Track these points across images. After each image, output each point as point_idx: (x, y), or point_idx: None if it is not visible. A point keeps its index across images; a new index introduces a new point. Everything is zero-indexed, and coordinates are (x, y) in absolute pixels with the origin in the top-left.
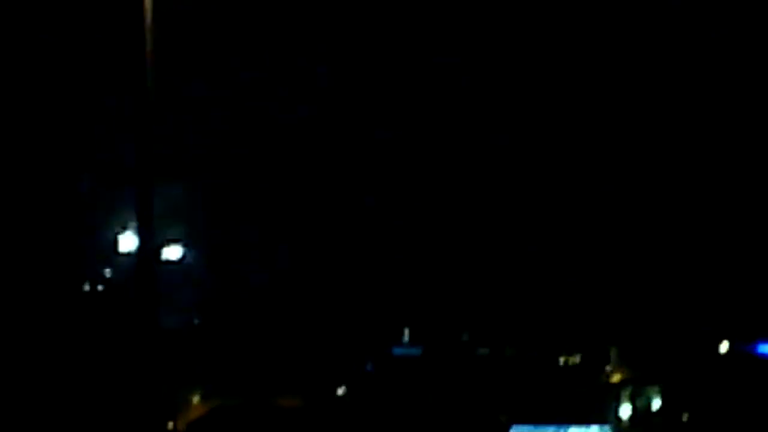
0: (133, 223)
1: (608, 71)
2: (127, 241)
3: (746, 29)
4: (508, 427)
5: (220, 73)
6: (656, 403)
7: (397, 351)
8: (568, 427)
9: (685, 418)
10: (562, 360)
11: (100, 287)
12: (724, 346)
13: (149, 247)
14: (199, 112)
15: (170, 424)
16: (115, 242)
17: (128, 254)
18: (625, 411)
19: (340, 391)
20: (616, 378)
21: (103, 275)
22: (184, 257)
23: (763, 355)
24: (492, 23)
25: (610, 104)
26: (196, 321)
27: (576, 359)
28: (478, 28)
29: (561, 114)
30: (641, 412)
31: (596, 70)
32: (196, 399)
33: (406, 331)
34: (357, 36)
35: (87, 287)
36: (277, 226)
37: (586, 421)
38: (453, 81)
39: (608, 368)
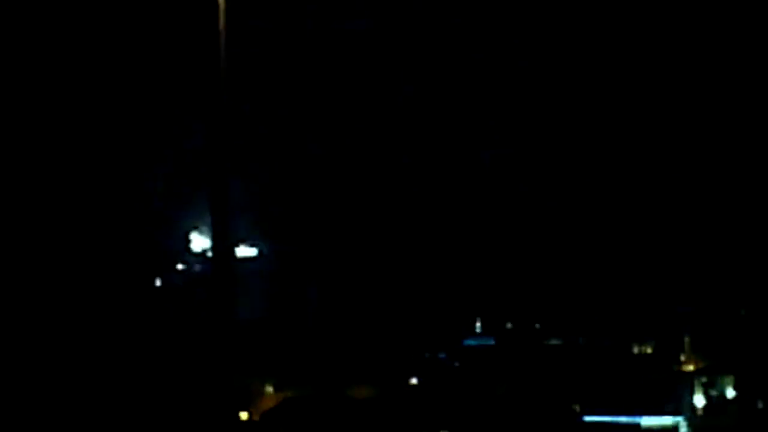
0: (205, 224)
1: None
2: (199, 240)
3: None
4: (581, 417)
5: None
6: (730, 392)
7: (470, 341)
8: (641, 417)
9: (760, 406)
10: (635, 349)
11: (174, 281)
12: None
13: (225, 243)
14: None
15: (244, 414)
16: (187, 241)
17: (201, 252)
18: (699, 400)
19: (413, 381)
20: (689, 367)
21: (176, 270)
22: (260, 254)
23: None
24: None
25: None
26: (268, 313)
27: (649, 348)
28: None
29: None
30: (715, 401)
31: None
32: (269, 389)
33: (479, 322)
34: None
35: (159, 282)
36: (349, 220)
37: (660, 411)
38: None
39: (682, 357)
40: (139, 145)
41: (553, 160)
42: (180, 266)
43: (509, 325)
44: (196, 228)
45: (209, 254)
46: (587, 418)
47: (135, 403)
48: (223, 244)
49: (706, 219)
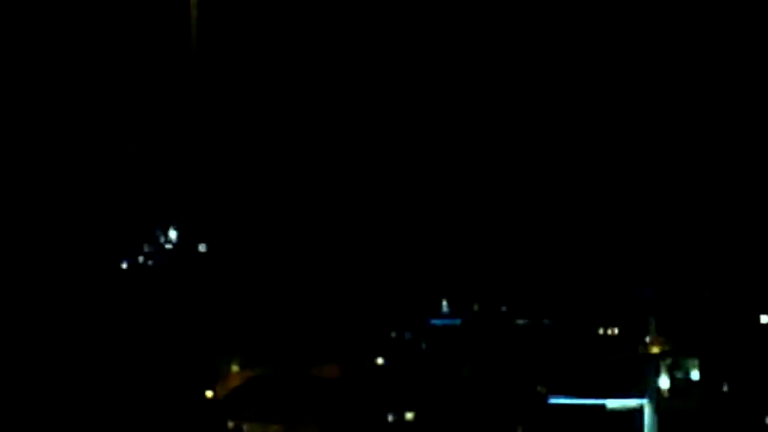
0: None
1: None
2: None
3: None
4: (547, 398)
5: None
6: (695, 375)
7: (436, 322)
8: (606, 399)
9: (724, 388)
10: (600, 331)
11: (141, 261)
12: (764, 318)
13: (193, 232)
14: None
15: (209, 392)
16: (162, 232)
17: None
18: (664, 382)
19: (379, 361)
20: (654, 349)
21: (144, 253)
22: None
23: None
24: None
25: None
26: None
27: (614, 331)
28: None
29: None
30: (680, 383)
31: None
32: (235, 368)
33: (445, 302)
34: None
35: (125, 265)
36: (317, 199)
37: (625, 393)
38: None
39: (647, 339)
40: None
41: (518, 143)
42: (146, 249)
43: (476, 306)
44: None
45: (167, 246)
46: (553, 400)
47: (101, 382)
48: (191, 234)
49: (672, 202)
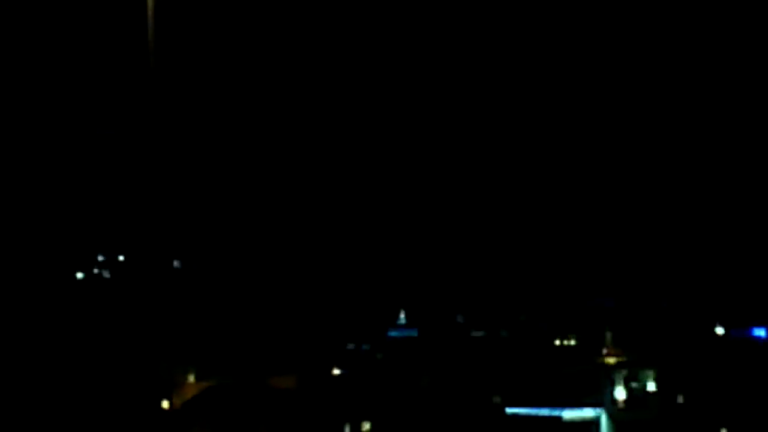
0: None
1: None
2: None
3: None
4: (503, 409)
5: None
6: (651, 386)
7: (393, 333)
8: (562, 410)
9: (680, 400)
10: (557, 342)
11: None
12: (719, 329)
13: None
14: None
15: (165, 403)
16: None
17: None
18: (620, 393)
19: (336, 372)
20: (611, 360)
21: (99, 263)
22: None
23: (757, 339)
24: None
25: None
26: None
27: (571, 341)
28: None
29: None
30: (636, 394)
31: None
32: (191, 378)
33: (402, 314)
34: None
35: (80, 275)
36: (273, 210)
37: (581, 404)
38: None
39: (603, 350)
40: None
41: (476, 150)
42: (100, 258)
43: (432, 317)
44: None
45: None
46: (509, 411)
47: (58, 391)
48: (152, 247)
49: (629, 214)
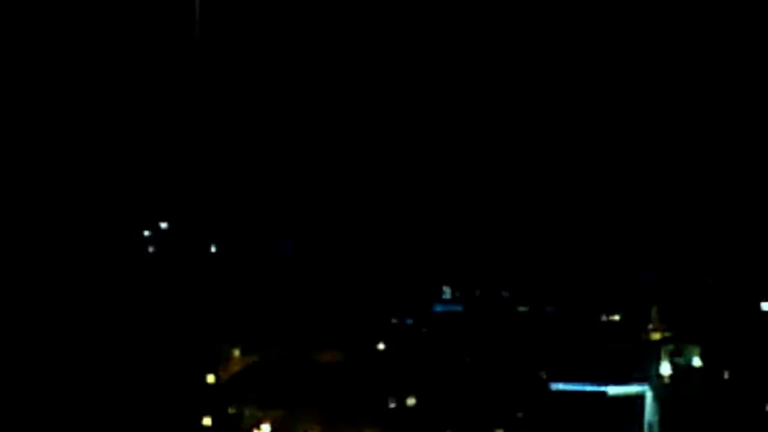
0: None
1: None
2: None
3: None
4: (548, 385)
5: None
6: (696, 362)
7: (438, 308)
8: (607, 386)
9: (726, 375)
10: (602, 318)
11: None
12: (765, 305)
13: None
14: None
15: (211, 377)
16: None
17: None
18: (666, 369)
19: (381, 347)
20: (656, 336)
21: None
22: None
23: None
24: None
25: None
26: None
27: (616, 317)
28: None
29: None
30: (682, 370)
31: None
32: (236, 353)
33: (447, 289)
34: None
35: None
36: (322, 184)
37: (626, 380)
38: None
39: (649, 326)
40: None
41: (514, 129)
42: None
43: (477, 292)
44: None
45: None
46: (554, 386)
47: (103, 367)
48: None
49: (674, 190)
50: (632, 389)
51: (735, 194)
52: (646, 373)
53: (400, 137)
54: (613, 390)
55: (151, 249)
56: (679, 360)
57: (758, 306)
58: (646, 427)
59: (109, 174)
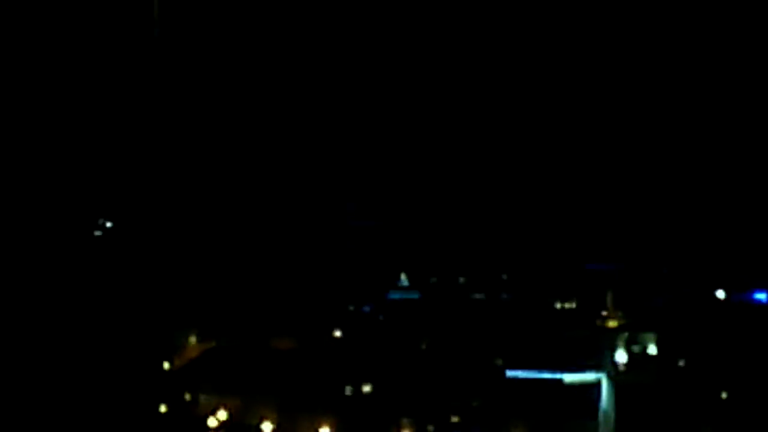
0: None
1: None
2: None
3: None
4: (504, 372)
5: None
6: (652, 349)
7: (394, 295)
8: (563, 373)
9: (681, 363)
10: (557, 305)
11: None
12: (720, 293)
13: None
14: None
15: (166, 364)
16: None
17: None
18: (621, 357)
19: (337, 333)
20: (612, 324)
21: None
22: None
23: (758, 302)
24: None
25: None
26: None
27: (572, 304)
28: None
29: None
30: (637, 357)
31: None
32: (192, 340)
33: (403, 276)
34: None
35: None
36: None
37: (582, 367)
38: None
39: (604, 314)
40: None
41: (480, 119)
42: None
43: (434, 279)
44: None
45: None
46: (510, 374)
47: (57, 354)
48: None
49: (630, 177)
50: (588, 377)
51: (690, 186)
52: (601, 360)
53: (362, 122)
54: (569, 377)
55: (103, 239)
56: (635, 348)
57: (713, 294)
58: (601, 414)
59: (59, 170)
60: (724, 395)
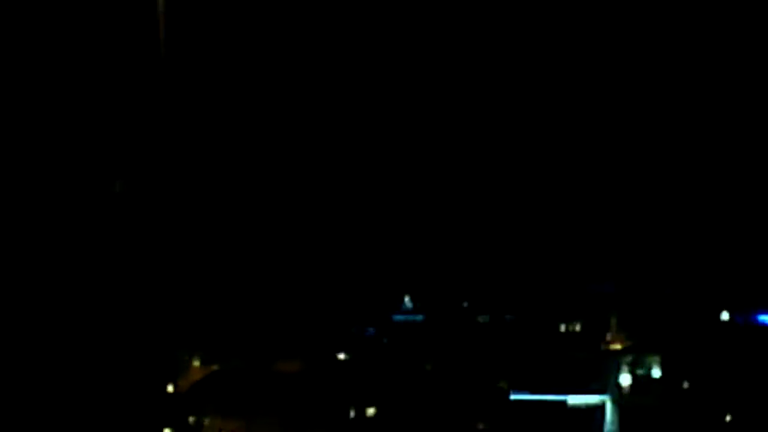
0: None
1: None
2: None
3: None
4: (508, 394)
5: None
6: (656, 372)
7: (399, 317)
8: (567, 395)
9: (685, 386)
10: (562, 327)
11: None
12: (724, 315)
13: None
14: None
15: (170, 387)
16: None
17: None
18: (625, 379)
19: (341, 356)
20: (616, 346)
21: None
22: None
23: (763, 324)
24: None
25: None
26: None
27: (576, 327)
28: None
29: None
30: (641, 380)
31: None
32: (196, 363)
33: (407, 298)
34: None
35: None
36: (279, 189)
37: (586, 390)
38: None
39: (608, 336)
40: None
41: (475, 136)
42: None
43: (438, 302)
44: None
45: None
46: (514, 396)
47: (60, 375)
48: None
49: (632, 198)
50: (592, 399)
51: (695, 207)
52: (605, 383)
53: (354, 140)
54: (572, 400)
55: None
56: (639, 370)
57: (718, 316)
58: None
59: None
60: (728, 418)
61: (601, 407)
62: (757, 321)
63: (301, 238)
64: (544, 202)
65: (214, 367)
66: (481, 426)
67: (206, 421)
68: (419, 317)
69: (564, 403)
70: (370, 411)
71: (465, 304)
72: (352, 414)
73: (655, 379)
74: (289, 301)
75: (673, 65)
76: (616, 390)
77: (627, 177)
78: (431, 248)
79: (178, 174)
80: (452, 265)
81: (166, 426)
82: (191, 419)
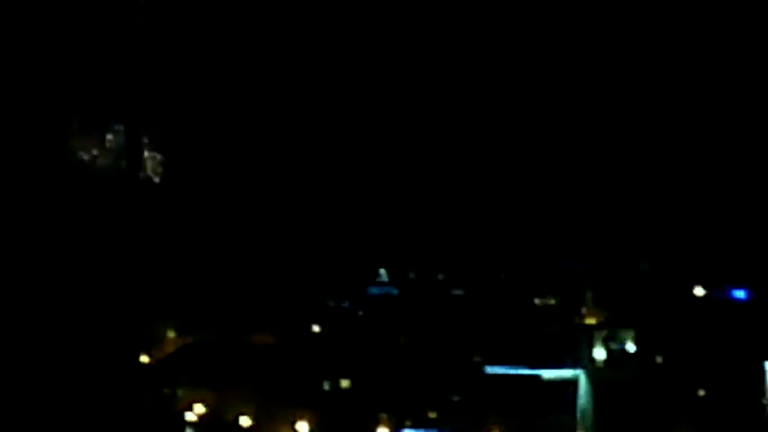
0: None
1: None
2: None
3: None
4: (482, 368)
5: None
6: (631, 346)
7: (373, 290)
8: (541, 369)
9: (659, 360)
10: (536, 302)
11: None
12: (698, 291)
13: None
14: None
15: (144, 358)
16: None
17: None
18: (599, 353)
19: (315, 329)
20: (590, 320)
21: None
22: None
23: (736, 300)
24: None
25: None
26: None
27: (551, 301)
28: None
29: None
30: (615, 354)
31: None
32: (170, 334)
33: (382, 271)
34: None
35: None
36: (259, 165)
37: (560, 363)
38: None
39: (583, 310)
40: None
41: (452, 116)
42: None
43: (413, 275)
44: None
45: None
46: (489, 370)
47: (34, 349)
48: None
49: (608, 174)
50: (566, 373)
51: (669, 183)
52: (579, 357)
53: (337, 122)
54: (547, 374)
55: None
56: (613, 344)
57: (691, 291)
58: (579, 410)
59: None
60: (701, 392)
61: (575, 381)
62: (731, 296)
63: (276, 212)
64: (520, 178)
65: (189, 339)
66: (455, 399)
67: (180, 392)
68: (394, 290)
69: (538, 377)
70: (345, 383)
71: (440, 277)
72: (326, 386)
73: (630, 354)
74: (264, 273)
75: (656, 56)
76: (590, 364)
77: (602, 156)
78: (407, 222)
79: (154, 150)
80: (428, 238)
81: (140, 396)
82: (165, 390)
